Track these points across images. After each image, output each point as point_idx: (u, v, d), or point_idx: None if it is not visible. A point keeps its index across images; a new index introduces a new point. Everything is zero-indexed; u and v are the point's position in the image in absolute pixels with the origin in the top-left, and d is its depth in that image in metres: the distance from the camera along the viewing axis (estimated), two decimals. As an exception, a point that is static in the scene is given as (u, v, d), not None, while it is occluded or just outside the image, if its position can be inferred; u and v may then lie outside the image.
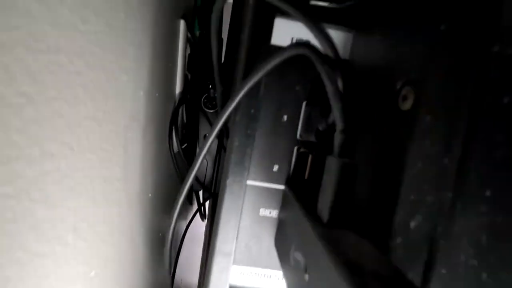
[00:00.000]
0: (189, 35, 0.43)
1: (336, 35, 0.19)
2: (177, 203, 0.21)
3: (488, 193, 0.11)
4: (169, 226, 0.23)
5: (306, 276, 0.14)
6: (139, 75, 0.24)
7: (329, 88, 0.13)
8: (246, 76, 0.18)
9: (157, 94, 0.30)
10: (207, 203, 0.50)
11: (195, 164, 0.20)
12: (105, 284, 0.20)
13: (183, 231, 0.55)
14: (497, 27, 0.10)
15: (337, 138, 0.13)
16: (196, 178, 0.49)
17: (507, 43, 0.10)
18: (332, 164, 0.13)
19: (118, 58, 0.19)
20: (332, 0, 0.18)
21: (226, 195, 0.20)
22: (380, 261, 0.11)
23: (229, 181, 0.20)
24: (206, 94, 0.50)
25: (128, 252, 0.24)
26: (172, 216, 0.22)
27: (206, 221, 0.49)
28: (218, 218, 0.20)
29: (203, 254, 0.46)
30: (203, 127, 0.50)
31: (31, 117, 0.11)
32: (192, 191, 0.49)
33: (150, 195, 0.31)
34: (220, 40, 0.19)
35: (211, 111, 0.46)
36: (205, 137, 0.52)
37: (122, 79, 0.20)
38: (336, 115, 0.13)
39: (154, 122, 0.31)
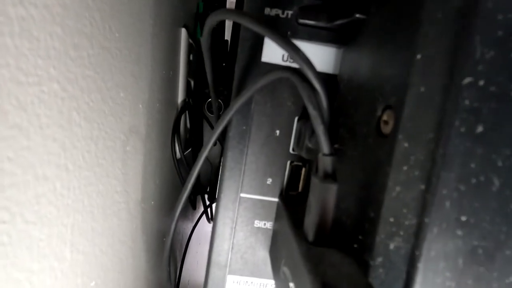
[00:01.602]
0: (191, 41, 0.44)
1: (327, 51, 0.19)
2: (177, 207, 0.22)
3: (463, 218, 0.11)
4: (169, 229, 0.23)
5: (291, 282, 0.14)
6: (138, 89, 0.25)
7: (311, 112, 0.13)
8: (238, 94, 0.18)
9: (158, 104, 0.31)
10: (213, 205, 0.51)
11: (193, 172, 0.21)
12: (106, 293, 0.21)
13: (189, 233, 0.56)
14: (469, 60, 0.10)
15: (321, 161, 0.13)
16: (200, 183, 0.50)
17: (478, 75, 0.10)
18: (316, 187, 0.14)
19: (115, 76, 0.20)
20: (322, 19, 0.18)
21: (220, 209, 0.20)
22: (357, 283, 0.11)
23: (222, 196, 0.20)
24: (209, 99, 0.51)
25: (129, 260, 0.25)
26: (172, 220, 0.22)
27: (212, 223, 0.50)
28: (213, 231, 0.21)
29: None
30: (208, 132, 0.51)
31: (24, 145, 0.12)
32: (197, 195, 0.50)
33: (152, 202, 0.32)
34: (214, 57, 0.20)
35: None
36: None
37: (120, 96, 0.21)
38: (319, 139, 0.13)
39: (156, 131, 0.31)
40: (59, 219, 0.15)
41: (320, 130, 0.13)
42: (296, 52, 0.13)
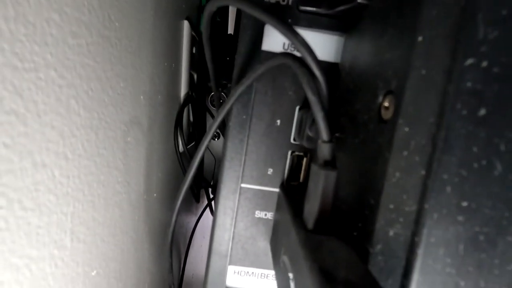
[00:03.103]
0: (193, 33, 0.43)
1: (328, 39, 0.19)
2: (178, 196, 0.22)
3: (464, 203, 0.11)
4: (171, 219, 0.23)
5: (291, 280, 0.14)
6: (139, 80, 0.25)
7: (310, 98, 0.13)
8: (238, 82, 0.18)
9: (159, 97, 0.31)
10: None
11: (195, 161, 0.21)
12: (108, 282, 0.21)
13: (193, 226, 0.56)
14: (472, 40, 0.10)
15: (320, 148, 0.13)
16: (204, 177, 0.50)
17: (481, 56, 0.10)
18: (316, 174, 0.13)
19: (114, 66, 0.20)
20: (323, 5, 0.18)
21: (221, 199, 0.20)
22: (356, 269, 0.11)
23: (223, 186, 0.20)
24: (213, 93, 0.51)
25: (131, 251, 0.25)
26: (174, 209, 0.22)
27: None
28: (214, 221, 0.21)
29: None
30: (211, 125, 0.51)
31: (21, 132, 0.12)
32: (200, 189, 0.50)
33: (155, 195, 0.32)
34: (213, 44, 0.20)
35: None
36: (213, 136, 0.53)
37: (120, 86, 0.21)
38: (318, 126, 0.13)
39: (158, 123, 0.31)
40: (59, 207, 0.15)
41: (319, 116, 0.13)
42: (295, 37, 0.13)
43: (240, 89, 0.17)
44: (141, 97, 0.26)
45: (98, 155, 0.18)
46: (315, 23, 0.19)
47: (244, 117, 0.19)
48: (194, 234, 0.56)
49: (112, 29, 0.19)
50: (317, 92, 0.13)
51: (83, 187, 0.17)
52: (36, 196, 0.13)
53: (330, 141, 0.13)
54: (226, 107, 0.18)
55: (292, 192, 0.20)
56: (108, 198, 0.20)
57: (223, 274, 0.21)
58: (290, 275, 0.14)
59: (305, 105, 0.20)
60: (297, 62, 0.14)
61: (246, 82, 0.17)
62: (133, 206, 0.25)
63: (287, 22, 0.13)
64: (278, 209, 0.20)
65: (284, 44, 0.19)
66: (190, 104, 0.43)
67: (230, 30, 0.55)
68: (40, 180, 0.13)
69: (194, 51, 0.44)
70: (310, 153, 0.20)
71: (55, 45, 0.14)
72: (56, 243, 0.15)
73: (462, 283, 0.11)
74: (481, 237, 0.11)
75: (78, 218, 0.17)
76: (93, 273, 0.19)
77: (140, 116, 0.26)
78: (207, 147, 0.50)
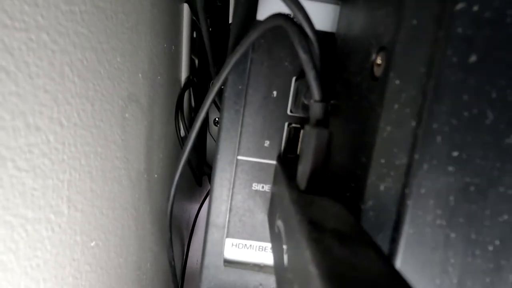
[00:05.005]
0: (194, 18, 0.43)
1: (324, 8, 0.19)
2: (178, 169, 0.22)
3: (455, 153, 0.11)
4: (170, 192, 0.24)
5: (285, 253, 0.14)
6: (137, 57, 0.25)
7: (302, 57, 0.13)
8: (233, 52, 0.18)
9: (159, 77, 0.31)
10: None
11: (189, 141, 0.21)
12: (108, 255, 0.22)
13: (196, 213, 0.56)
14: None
15: (313, 108, 0.13)
16: (206, 163, 0.50)
17: (472, 0, 0.10)
18: (308, 134, 0.13)
19: (110, 39, 0.20)
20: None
21: (217, 171, 0.20)
22: (345, 222, 0.11)
23: (219, 157, 0.20)
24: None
25: (132, 228, 0.26)
26: (173, 181, 0.23)
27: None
28: (211, 193, 0.21)
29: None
30: (213, 112, 0.51)
31: (12, 90, 0.12)
32: (203, 174, 0.50)
33: (156, 175, 0.32)
34: (209, 18, 0.20)
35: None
36: (215, 121, 0.52)
37: (116, 61, 0.21)
38: (310, 85, 0.13)
39: (158, 104, 0.31)
40: (54, 173, 0.15)
41: (311, 75, 0.13)
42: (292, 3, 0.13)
43: (235, 57, 0.17)
44: (140, 75, 0.26)
45: (94, 127, 0.19)
46: (310, -9, 0.18)
47: (240, 87, 0.19)
48: (198, 222, 0.56)
49: (107, 1, 0.19)
50: (309, 51, 0.13)
51: (80, 156, 0.17)
52: (30, 158, 0.13)
53: (322, 100, 0.13)
54: (222, 76, 0.18)
55: (289, 164, 0.20)
56: (106, 171, 0.21)
57: (220, 246, 0.21)
58: (284, 247, 0.14)
59: (301, 76, 0.20)
60: (289, 21, 0.13)
61: (240, 49, 0.17)
62: (133, 183, 0.26)
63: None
64: (275, 181, 0.20)
65: (279, 13, 0.19)
66: (191, 89, 0.43)
67: (231, 20, 0.55)
68: (34, 143, 0.13)
69: (194, 35, 0.44)
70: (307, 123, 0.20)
71: (46, 8, 0.14)
72: (52, 208, 0.15)
73: (452, 235, 0.11)
74: (472, 188, 0.11)
75: (75, 187, 0.17)
76: (92, 244, 0.19)
77: (139, 94, 0.26)
78: (210, 133, 0.50)
